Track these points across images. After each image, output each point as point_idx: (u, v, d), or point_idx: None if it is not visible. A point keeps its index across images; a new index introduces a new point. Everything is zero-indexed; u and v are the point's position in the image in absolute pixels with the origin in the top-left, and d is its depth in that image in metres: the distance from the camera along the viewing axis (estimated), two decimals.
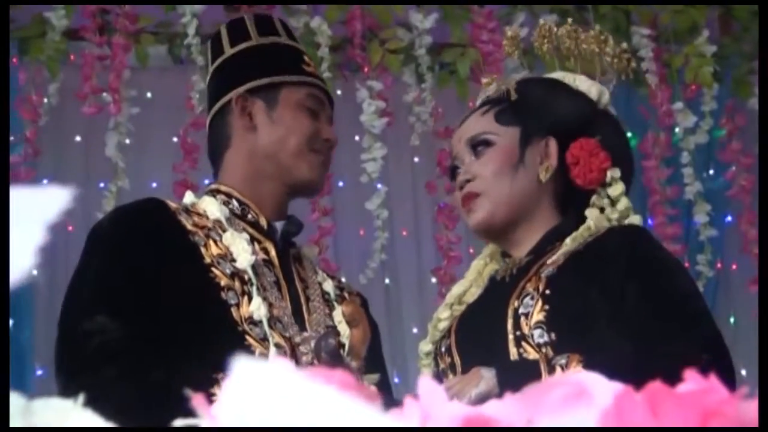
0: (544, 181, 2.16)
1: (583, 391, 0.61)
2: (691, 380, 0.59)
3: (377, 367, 2.09)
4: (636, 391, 0.60)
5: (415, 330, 4.07)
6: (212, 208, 2.15)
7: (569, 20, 2.36)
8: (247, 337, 1.99)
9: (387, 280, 4.30)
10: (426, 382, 0.59)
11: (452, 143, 2.29)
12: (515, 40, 2.36)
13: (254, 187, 2.20)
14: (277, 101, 2.21)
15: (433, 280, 3.97)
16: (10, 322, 3.79)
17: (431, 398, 0.58)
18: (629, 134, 4.18)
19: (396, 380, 3.84)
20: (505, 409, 0.60)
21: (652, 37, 3.97)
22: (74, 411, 0.50)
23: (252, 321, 2.01)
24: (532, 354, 1.96)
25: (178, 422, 0.61)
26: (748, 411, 0.57)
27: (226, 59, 2.28)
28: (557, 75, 2.28)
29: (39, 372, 3.80)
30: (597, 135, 2.17)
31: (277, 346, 2.00)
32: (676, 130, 4.03)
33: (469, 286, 2.24)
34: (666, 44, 4.03)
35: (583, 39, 2.26)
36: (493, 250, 2.27)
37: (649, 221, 4.01)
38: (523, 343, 1.98)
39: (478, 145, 2.19)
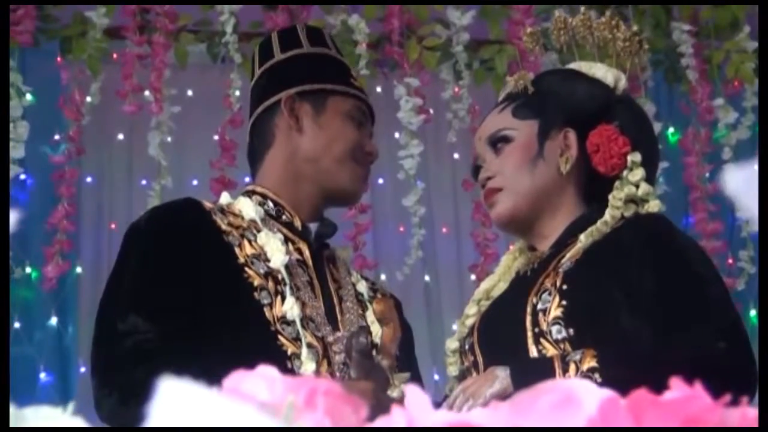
0: (564, 172, 2.15)
1: (571, 399, 0.61)
2: (676, 388, 0.59)
3: (409, 369, 2.09)
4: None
5: (454, 327, 4.06)
6: (247, 208, 2.16)
7: (582, 8, 2.35)
8: (280, 336, 1.99)
9: (427, 277, 4.31)
10: (412, 390, 0.60)
11: (474, 144, 2.28)
12: (534, 35, 2.36)
13: (291, 189, 2.21)
14: (324, 108, 2.23)
15: (473, 276, 3.97)
16: (55, 319, 3.84)
17: (417, 406, 0.59)
18: (671, 129, 4.18)
19: (436, 377, 3.85)
20: (491, 416, 0.60)
21: (693, 32, 3.94)
22: (63, 419, 0.51)
23: (285, 321, 2.01)
24: (550, 351, 1.95)
25: None
26: (731, 419, 0.58)
27: (276, 63, 2.30)
28: (573, 65, 2.28)
29: (82, 369, 3.84)
30: (615, 121, 2.16)
31: (309, 345, 2.00)
32: (719, 125, 4.01)
33: (497, 280, 2.24)
34: (707, 40, 4.00)
35: (595, 26, 2.25)
36: (523, 244, 2.27)
37: (690, 218, 3.99)
38: (542, 340, 1.97)
39: (497, 142, 2.19)
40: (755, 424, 0.58)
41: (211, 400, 0.40)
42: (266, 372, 0.56)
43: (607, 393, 0.61)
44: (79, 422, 0.53)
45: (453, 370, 2.22)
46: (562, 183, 2.16)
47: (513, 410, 0.61)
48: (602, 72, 2.22)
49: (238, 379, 0.54)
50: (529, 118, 2.19)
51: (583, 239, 2.05)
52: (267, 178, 2.23)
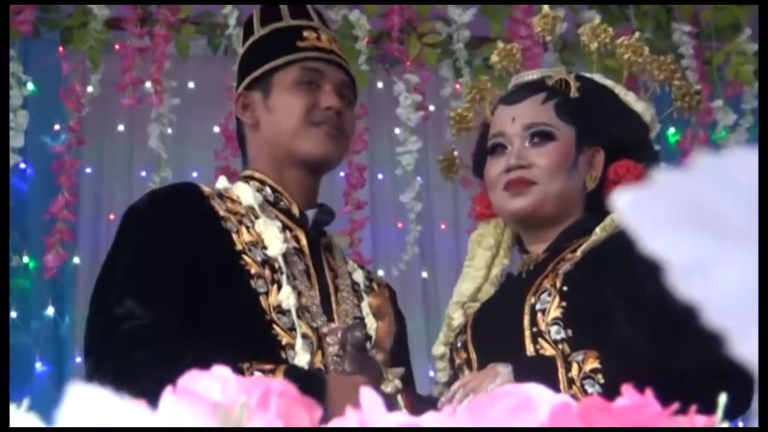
0: (589, 189, 2.16)
1: (527, 404, 0.62)
2: (626, 395, 0.60)
3: (401, 361, 2.09)
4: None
5: None
6: (246, 194, 2.15)
7: (616, 36, 2.37)
8: (275, 326, 1.98)
9: (424, 274, 4.31)
10: (367, 392, 0.61)
11: (500, 119, 2.23)
12: (547, 18, 2.36)
13: (279, 175, 2.20)
14: (270, 88, 2.21)
15: None
16: (51, 309, 3.84)
17: (371, 408, 0.60)
18: (672, 130, 4.18)
19: (431, 374, 3.85)
20: (446, 420, 0.61)
21: (693, 34, 3.94)
22: (16, 416, 0.51)
23: (280, 310, 2.00)
24: (548, 350, 1.96)
25: None
26: (680, 425, 0.58)
27: (241, 56, 2.32)
28: (609, 83, 2.28)
29: (78, 359, 3.84)
30: (644, 162, 2.18)
31: (304, 336, 1.99)
32: (717, 127, 4.01)
33: (482, 282, 2.24)
34: (707, 41, 4.00)
35: (646, 60, 2.29)
36: (499, 240, 2.26)
37: None
38: (540, 340, 1.98)
39: (538, 134, 2.16)
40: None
41: (119, 408, 0.41)
42: (220, 372, 0.56)
43: (560, 398, 0.62)
44: (33, 419, 0.53)
45: (442, 377, 2.21)
46: (580, 195, 2.18)
47: (468, 414, 0.61)
48: (642, 108, 2.24)
49: (191, 379, 0.55)
50: (568, 123, 2.18)
51: (599, 232, 2.07)
52: (258, 163, 2.23)
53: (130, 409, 0.41)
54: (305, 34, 2.27)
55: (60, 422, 0.41)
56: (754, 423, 0.57)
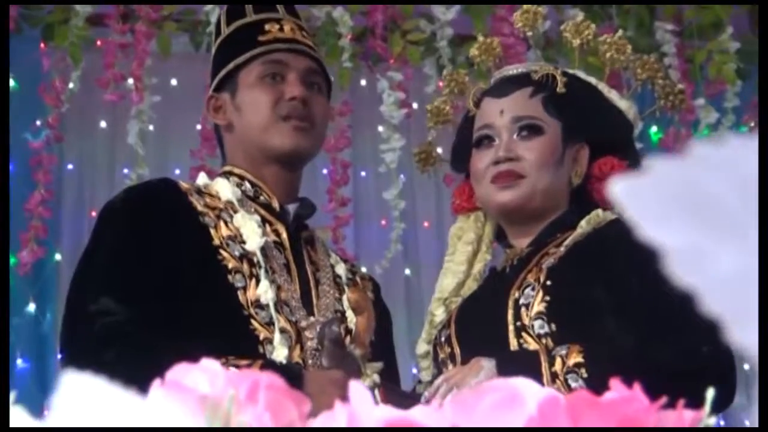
0: (574, 185, 2.17)
1: (515, 398, 0.62)
2: (614, 389, 0.60)
3: (385, 355, 2.08)
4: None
5: None
6: (224, 189, 2.15)
7: (598, 34, 2.37)
8: (252, 321, 1.98)
9: (407, 271, 4.31)
10: (356, 385, 0.60)
11: (487, 112, 2.23)
12: (528, 13, 2.36)
13: (257, 171, 2.20)
14: (237, 87, 2.22)
15: None
16: (33, 305, 3.83)
17: (359, 401, 0.59)
18: (654, 128, 4.20)
19: (414, 371, 3.85)
20: (434, 414, 0.61)
21: (676, 32, 3.95)
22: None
23: (259, 304, 2.00)
24: (532, 345, 1.96)
25: None
26: (667, 420, 0.58)
27: (211, 59, 2.33)
28: (592, 80, 2.28)
29: (60, 356, 3.82)
30: (628, 160, 2.19)
31: (282, 330, 1.99)
32: (700, 126, 4.02)
33: (464, 278, 2.24)
34: (690, 40, 4.01)
35: (629, 58, 2.30)
36: (479, 235, 2.27)
37: None
38: (524, 334, 1.98)
39: (526, 128, 2.17)
40: (691, 426, 0.59)
41: (112, 397, 0.41)
42: (208, 366, 0.56)
43: (548, 392, 0.62)
44: (20, 412, 0.53)
45: (426, 375, 2.21)
46: (566, 191, 2.19)
47: (456, 408, 0.61)
48: (625, 105, 2.25)
49: (180, 372, 0.55)
50: (555, 117, 2.19)
51: (584, 224, 2.07)
52: (236, 160, 2.24)
53: (122, 399, 0.41)
54: (266, 27, 2.25)
55: (54, 410, 0.41)
56: (741, 420, 0.57)
